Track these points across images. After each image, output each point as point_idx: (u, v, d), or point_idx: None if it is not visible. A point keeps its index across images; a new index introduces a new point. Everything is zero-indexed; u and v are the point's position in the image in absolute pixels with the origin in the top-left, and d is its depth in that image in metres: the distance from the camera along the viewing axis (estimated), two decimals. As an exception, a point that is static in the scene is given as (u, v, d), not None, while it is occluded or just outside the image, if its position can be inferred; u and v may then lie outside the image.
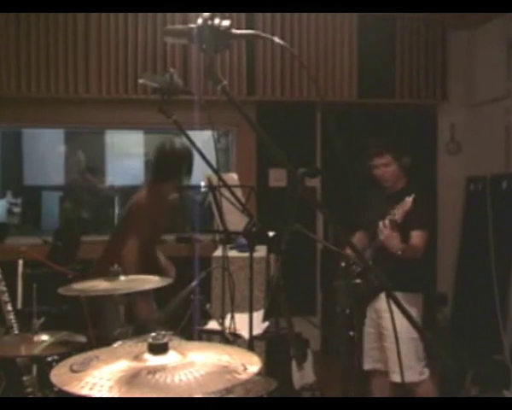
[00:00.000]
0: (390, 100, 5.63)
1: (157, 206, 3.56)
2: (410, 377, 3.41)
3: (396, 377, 3.43)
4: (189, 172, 3.61)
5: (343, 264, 3.12)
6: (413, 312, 3.44)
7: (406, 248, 3.41)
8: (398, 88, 5.65)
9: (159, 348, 1.57)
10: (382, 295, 3.55)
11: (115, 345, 2.52)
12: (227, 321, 3.09)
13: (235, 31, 1.63)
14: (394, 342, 1.65)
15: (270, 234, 2.77)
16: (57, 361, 2.74)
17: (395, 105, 5.66)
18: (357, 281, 2.44)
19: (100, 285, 2.74)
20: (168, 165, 3.58)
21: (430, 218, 3.74)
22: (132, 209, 3.59)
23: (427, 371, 3.57)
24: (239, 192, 2.98)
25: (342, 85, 5.50)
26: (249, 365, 1.57)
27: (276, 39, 1.67)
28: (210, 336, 3.24)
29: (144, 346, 1.60)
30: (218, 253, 4.36)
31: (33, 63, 5.03)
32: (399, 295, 3.41)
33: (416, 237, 3.47)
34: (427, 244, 3.52)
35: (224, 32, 1.60)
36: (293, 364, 3.08)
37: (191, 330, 2.94)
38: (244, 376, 1.52)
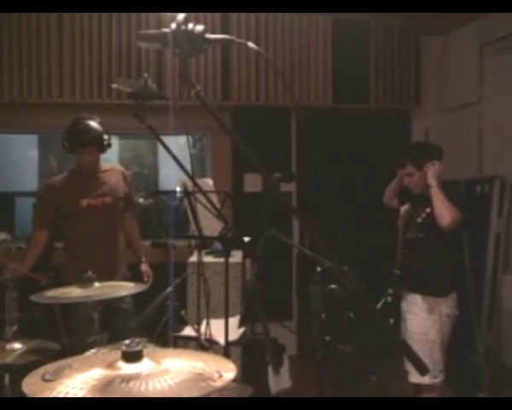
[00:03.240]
0: (364, 104, 5.67)
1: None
2: (422, 378, 3.41)
3: (411, 377, 3.46)
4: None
5: (318, 268, 3.12)
6: (432, 315, 3.49)
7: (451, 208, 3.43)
8: (373, 93, 5.69)
9: (133, 356, 1.55)
10: (407, 297, 3.58)
11: (89, 353, 2.49)
12: (203, 327, 3.07)
13: (209, 36, 1.63)
14: (413, 344, 1.66)
15: (246, 239, 2.76)
16: (30, 370, 2.70)
17: (369, 110, 5.70)
18: (333, 286, 2.44)
19: (73, 292, 2.72)
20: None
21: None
22: None
23: (441, 376, 3.53)
24: (214, 197, 2.97)
25: (317, 90, 5.53)
26: (224, 371, 1.56)
27: (251, 44, 1.67)
28: (186, 343, 3.22)
29: (118, 354, 1.58)
30: (194, 258, 4.34)
31: (5, 67, 4.97)
32: (427, 299, 3.48)
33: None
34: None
35: (198, 36, 1.60)
36: (270, 369, 3.08)
37: (166, 337, 2.91)
38: (219, 383, 1.51)
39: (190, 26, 1.59)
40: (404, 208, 3.69)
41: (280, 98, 5.42)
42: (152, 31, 1.69)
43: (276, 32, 5.42)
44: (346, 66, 5.59)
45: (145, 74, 2.47)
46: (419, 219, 3.55)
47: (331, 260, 1.98)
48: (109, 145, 3.74)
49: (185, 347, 3.20)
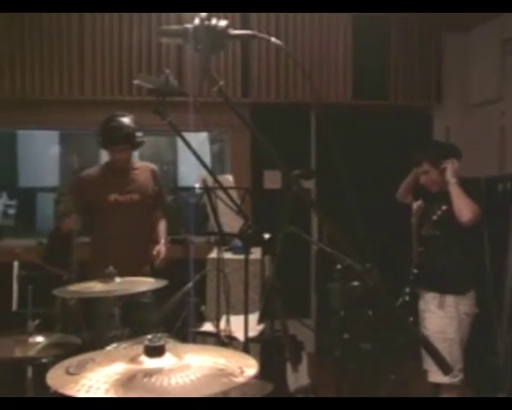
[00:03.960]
0: (384, 102, 5.64)
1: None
2: (440, 377, 3.39)
3: (430, 376, 3.46)
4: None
5: (338, 266, 3.10)
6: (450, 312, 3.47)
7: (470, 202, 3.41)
8: (393, 90, 5.65)
9: (155, 351, 1.56)
10: (425, 296, 3.57)
11: (110, 347, 2.51)
12: (222, 323, 3.08)
13: (231, 31, 1.63)
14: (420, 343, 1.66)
15: (266, 236, 2.76)
16: (52, 363, 2.72)
17: (390, 107, 5.66)
18: (354, 283, 2.43)
19: (94, 287, 2.74)
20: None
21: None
22: None
23: (460, 376, 3.50)
24: (234, 194, 2.97)
25: (337, 87, 5.50)
26: (246, 368, 1.57)
27: (273, 39, 1.67)
28: (204, 339, 3.23)
29: (140, 348, 1.59)
30: (213, 255, 4.35)
31: (28, 65, 5.01)
32: (448, 297, 3.46)
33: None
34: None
35: (220, 32, 1.60)
36: (288, 366, 3.08)
37: (185, 332, 2.92)
38: (241, 379, 1.51)
39: (213, 21, 1.59)
40: (416, 204, 3.67)
41: (299, 95, 5.40)
42: (174, 26, 1.69)
43: (296, 28, 5.41)
44: (367, 62, 5.56)
45: (166, 70, 2.48)
46: (434, 217, 3.53)
47: (351, 257, 1.97)
48: (142, 143, 3.77)
49: (203, 343, 3.21)
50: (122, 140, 3.65)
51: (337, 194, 4.02)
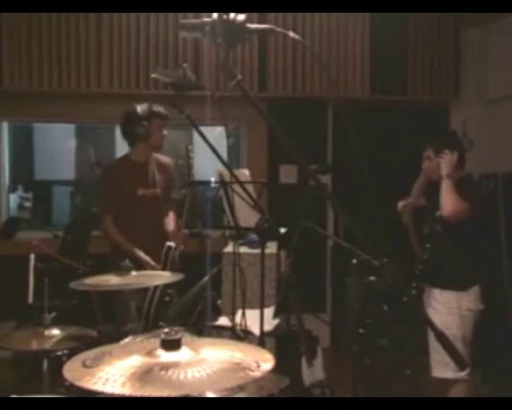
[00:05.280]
0: (402, 97, 5.60)
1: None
2: (445, 373, 3.34)
3: (433, 372, 3.43)
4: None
5: (354, 261, 3.09)
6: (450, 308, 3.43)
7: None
8: (411, 84, 5.61)
9: (172, 345, 1.56)
10: (428, 291, 3.55)
11: (126, 340, 2.52)
12: (237, 317, 3.08)
13: (250, 25, 1.62)
14: (435, 338, 1.64)
15: (282, 230, 2.76)
16: (68, 356, 2.75)
17: (407, 102, 5.62)
18: (372, 278, 2.42)
19: (111, 280, 2.75)
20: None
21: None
22: None
23: (466, 371, 3.50)
24: (250, 188, 2.97)
25: (354, 82, 5.47)
26: (262, 362, 1.56)
27: (291, 33, 1.66)
28: (219, 333, 3.24)
29: (156, 342, 1.59)
30: (229, 249, 4.35)
31: (45, 58, 5.03)
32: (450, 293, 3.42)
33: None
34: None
35: (238, 26, 1.59)
36: (303, 361, 3.07)
37: (201, 326, 2.93)
38: (257, 373, 1.51)
39: (231, 15, 1.58)
40: (402, 203, 3.69)
41: (316, 89, 5.37)
42: (193, 20, 1.68)
43: (313, 23, 5.37)
44: (384, 57, 5.52)
45: (184, 64, 2.47)
46: (437, 213, 3.50)
47: (368, 252, 1.96)
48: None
49: (219, 337, 3.21)
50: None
51: (353, 189, 4.02)
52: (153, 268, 3.55)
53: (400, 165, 5.35)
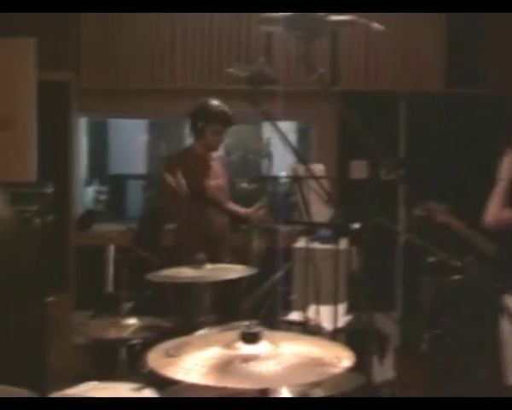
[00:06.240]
0: (480, 91, 5.43)
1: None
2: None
3: (508, 379, 3.32)
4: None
5: (431, 259, 3.03)
6: None
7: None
8: (490, 78, 5.44)
9: (251, 337, 1.57)
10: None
11: (201, 332, 2.55)
12: (309, 313, 3.07)
13: (330, 17, 1.61)
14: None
15: (355, 226, 2.73)
16: (143, 345, 2.81)
17: (485, 96, 5.45)
18: (454, 277, 2.36)
19: (186, 273, 2.77)
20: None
21: None
22: None
23: None
24: (324, 183, 2.95)
25: (429, 76, 5.35)
26: (342, 359, 1.56)
27: (376, 25, 1.64)
28: (289, 328, 3.23)
29: (234, 334, 1.61)
30: (300, 244, 4.34)
31: (121, 56, 5.15)
32: None
33: None
34: None
35: (319, 18, 1.58)
36: (374, 359, 3.04)
37: (272, 321, 2.93)
38: (337, 369, 1.51)
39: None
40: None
41: (389, 83, 5.30)
42: (275, 14, 1.68)
43: (387, 16, 5.28)
44: (461, 49, 5.37)
45: (261, 58, 2.48)
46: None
47: (446, 250, 1.92)
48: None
49: (288, 332, 3.21)
50: (226, 123, 3.71)
51: (425, 185, 3.91)
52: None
53: (476, 161, 5.21)
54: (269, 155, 3.33)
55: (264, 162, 3.33)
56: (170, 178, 3.50)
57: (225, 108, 3.73)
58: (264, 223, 3.95)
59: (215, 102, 3.73)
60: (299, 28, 1.60)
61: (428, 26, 5.36)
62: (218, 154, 4.06)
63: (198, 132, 3.77)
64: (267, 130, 6.87)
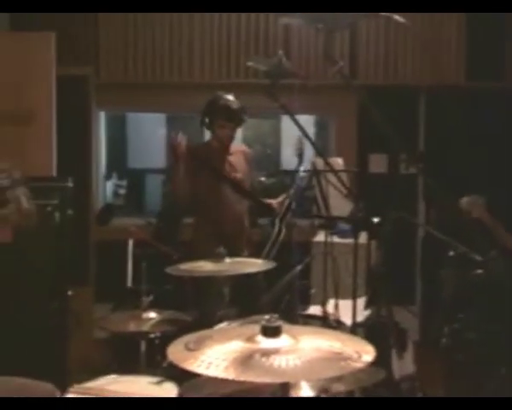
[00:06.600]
0: (501, 83, 5.36)
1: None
2: None
3: None
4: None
5: (451, 253, 3.00)
6: None
7: None
8: (510, 70, 5.36)
9: (272, 331, 1.56)
10: None
11: (221, 326, 2.55)
12: (328, 307, 3.06)
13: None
14: None
15: (375, 220, 2.71)
16: (162, 339, 2.82)
17: (505, 89, 5.38)
18: (477, 271, 2.33)
19: (205, 267, 2.78)
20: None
21: None
22: None
23: None
24: (343, 177, 2.93)
25: (449, 68, 5.29)
26: (363, 353, 1.55)
27: (397, 17, 1.63)
28: (307, 322, 3.23)
29: (254, 328, 1.60)
30: (319, 238, 4.32)
31: (140, 50, 5.14)
32: None
33: None
34: None
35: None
36: (393, 353, 3.02)
37: (290, 315, 2.93)
38: (359, 364, 1.50)
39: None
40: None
41: (409, 76, 5.24)
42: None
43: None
44: (481, 41, 5.29)
45: (279, 52, 2.46)
46: None
47: (470, 243, 1.90)
48: (244, 121, 3.82)
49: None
50: (232, 117, 3.69)
51: (444, 180, 3.88)
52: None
53: (498, 155, 5.15)
54: (301, 154, 3.30)
55: (296, 160, 3.29)
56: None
57: (232, 102, 3.71)
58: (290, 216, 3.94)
59: (222, 97, 3.73)
60: (319, 21, 1.59)
61: (448, 18, 5.29)
62: (241, 148, 4.06)
63: (207, 127, 3.79)
64: (286, 124, 6.87)
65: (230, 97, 3.73)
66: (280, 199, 3.81)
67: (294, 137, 3.22)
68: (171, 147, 3.64)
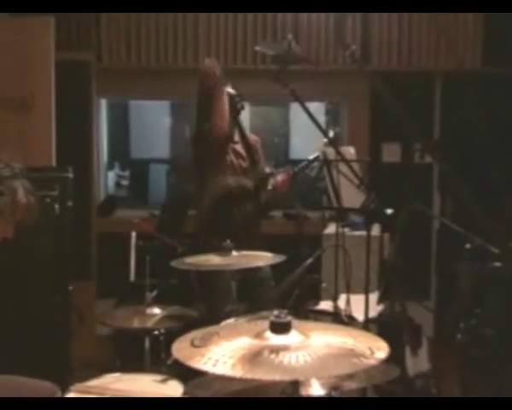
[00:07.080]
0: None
1: None
2: None
3: None
4: None
5: (467, 245, 2.90)
6: None
7: None
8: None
9: (281, 328, 1.53)
10: None
11: (228, 321, 2.46)
12: (339, 302, 2.98)
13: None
14: None
15: (388, 212, 2.61)
16: (166, 335, 2.74)
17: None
18: (495, 264, 2.22)
19: (212, 260, 2.71)
20: None
21: None
22: None
23: None
24: (355, 167, 2.83)
25: (465, 52, 5.16)
26: (376, 349, 1.51)
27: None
28: (317, 317, 3.15)
29: (264, 324, 1.57)
30: (329, 230, 4.24)
31: (143, 35, 5.06)
32: None
33: None
34: None
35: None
36: (407, 350, 2.94)
37: (300, 310, 2.84)
38: (372, 361, 1.46)
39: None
40: None
41: (424, 62, 5.14)
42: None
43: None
44: (499, 24, 5.15)
45: (289, 36, 2.36)
46: None
47: (490, 235, 1.78)
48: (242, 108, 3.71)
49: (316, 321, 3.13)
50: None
51: (461, 169, 3.71)
52: None
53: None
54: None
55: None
56: None
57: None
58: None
59: None
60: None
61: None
62: (253, 137, 3.95)
63: None
64: (294, 112, 6.75)
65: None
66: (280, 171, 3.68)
67: (303, 125, 3.11)
68: (205, 75, 3.49)
